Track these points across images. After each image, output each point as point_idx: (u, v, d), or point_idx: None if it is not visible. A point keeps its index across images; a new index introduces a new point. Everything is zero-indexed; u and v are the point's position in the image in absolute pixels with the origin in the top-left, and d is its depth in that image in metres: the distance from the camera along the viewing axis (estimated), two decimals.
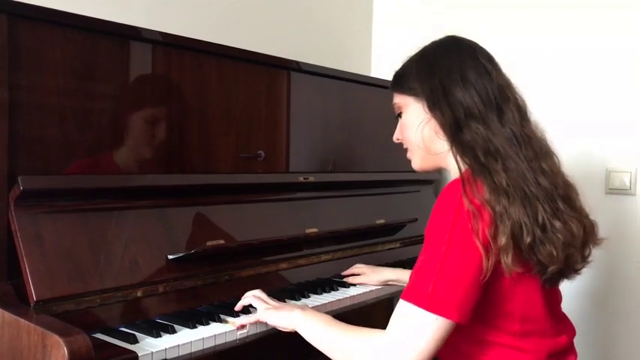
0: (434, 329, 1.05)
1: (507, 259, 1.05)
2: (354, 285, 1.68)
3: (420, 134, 1.23)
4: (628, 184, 2.13)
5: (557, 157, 1.21)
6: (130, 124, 1.42)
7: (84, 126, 1.32)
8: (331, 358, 1.18)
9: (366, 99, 2.12)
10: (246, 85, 1.68)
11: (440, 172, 2.49)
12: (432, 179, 2.39)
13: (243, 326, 1.29)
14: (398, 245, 2.07)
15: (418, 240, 2.13)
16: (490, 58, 1.23)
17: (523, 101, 1.22)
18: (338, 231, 1.84)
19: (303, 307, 1.30)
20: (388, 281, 1.71)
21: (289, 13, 2.33)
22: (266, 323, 1.30)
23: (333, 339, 1.17)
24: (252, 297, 1.35)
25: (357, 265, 1.76)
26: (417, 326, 1.06)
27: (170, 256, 1.37)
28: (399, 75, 1.29)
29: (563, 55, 2.25)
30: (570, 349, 1.26)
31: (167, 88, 1.50)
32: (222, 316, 1.32)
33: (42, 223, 1.20)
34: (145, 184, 1.41)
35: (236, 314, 1.34)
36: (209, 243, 1.46)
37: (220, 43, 1.60)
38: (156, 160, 1.48)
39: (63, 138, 1.28)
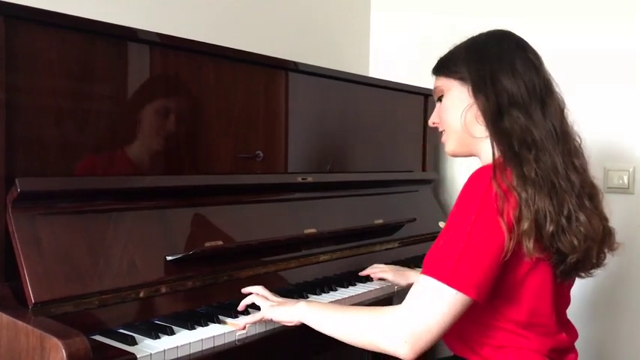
0: (451, 303, 1.07)
1: (529, 244, 1.08)
2: (353, 285, 1.68)
3: (461, 118, 1.25)
4: (626, 182, 2.13)
5: (585, 159, 1.25)
6: (127, 126, 1.42)
7: (81, 127, 1.32)
8: (344, 340, 1.18)
9: (364, 99, 2.12)
10: (245, 86, 1.68)
11: (439, 172, 2.50)
12: (430, 179, 2.39)
13: (245, 327, 1.29)
14: (396, 245, 2.07)
15: (417, 240, 2.13)
16: (537, 55, 1.26)
17: (563, 100, 1.25)
18: (336, 231, 1.84)
19: (307, 300, 1.30)
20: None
21: (287, 13, 2.33)
22: (271, 320, 1.29)
23: (343, 321, 1.18)
24: (255, 296, 1.35)
25: (376, 265, 1.76)
26: (435, 299, 1.08)
27: (169, 257, 1.37)
28: (446, 59, 1.31)
29: (561, 54, 2.24)
30: (571, 348, 1.27)
31: (165, 90, 1.50)
32: (221, 318, 1.32)
33: (40, 224, 1.20)
34: (143, 185, 1.41)
35: (235, 315, 1.33)
36: (208, 244, 1.46)
37: (218, 43, 1.60)
38: (154, 161, 1.48)
39: (60, 139, 1.28)
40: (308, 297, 1.53)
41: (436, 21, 2.52)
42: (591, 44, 2.18)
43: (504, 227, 1.08)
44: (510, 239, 1.08)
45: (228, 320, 1.31)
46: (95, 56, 1.34)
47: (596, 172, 2.12)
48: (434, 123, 1.35)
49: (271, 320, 1.29)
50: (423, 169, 2.39)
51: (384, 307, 1.15)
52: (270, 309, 1.29)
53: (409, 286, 1.67)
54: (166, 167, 1.50)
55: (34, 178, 1.21)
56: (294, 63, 1.82)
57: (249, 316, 1.31)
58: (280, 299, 1.34)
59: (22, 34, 1.21)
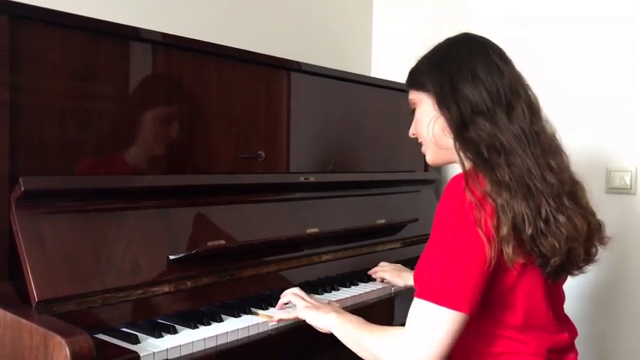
0: (447, 322, 1.07)
1: (509, 250, 1.07)
2: (355, 285, 1.68)
3: (431, 130, 1.25)
4: (628, 183, 2.13)
5: (565, 154, 1.22)
6: (130, 125, 1.42)
7: (84, 127, 1.32)
8: (363, 358, 1.21)
9: (366, 99, 2.12)
10: (247, 86, 1.68)
11: (440, 172, 2.50)
12: (432, 179, 2.39)
13: (280, 320, 1.34)
14: (398, 245, 2.07)
15: (419, 240, 2.13)
16: (502, 55, 1.24)
17: (535, 97, 1.23)
18: (338, 231, 1.84)
19: (338, 310, 1.32)
20: (413, 286, 1.72)
21: (289, 13, 2.33)
22: (304, 321, 1.32)
23: (363, 341, 1.20)
24: (292, 295, 1.38)
25: (382, 264, 1.79)
26: (431, 321, 1.08)
27: (171, 257, 1.37)
28: (413, 72, 1.32)
29: (563, 54, 2.25)
30: (571, 347, 1.27)
31: (167, 89, 1.50)
32: (252, 309, 1.37)
33: (43, 223, 1.20)
34: (145, 184, 1.41)
35: (266, 308, 1.39)
36: (210, 243, 1.46)
37: (220, 43, 1.60)
38: (156, 160, 1.48)
39: (64, 138, 1.28)
40: (311, 297, 1.53)
41: (439, 21, 2.52)
42: (594, 42, 2.18)
43: (484, 237, 1.07)
44: (492, 248, 1.07)
45: (260, 312, 1.36)
46: (98, 55, 1.34)
47: (598, 173, 2.15)
48: (413, 134, 1.36)
49: (304, 321, 1.32)
50: (425, 169, 2.39)
51: (395, 331, 1.15)
52: (305, 310, 1.32)
53: (407, 287, 1.70)
54: (168, 167, 1.51)
55: (38, 177, 1.21)
56: (297, 63, 1.82)
57: (284, 311, 1.37)
58: (315, 302, 1.37)
59: (25, 34, 1.21)
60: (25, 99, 1.22)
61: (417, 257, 1.97)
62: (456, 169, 2.32)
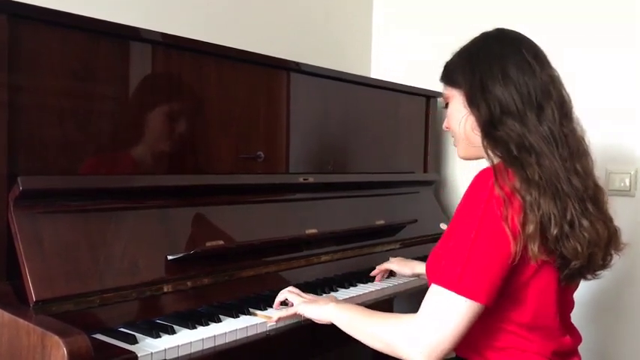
0: (463, 311, 1.07)
1: (534, 247, 1.08)
2: (354, 286, 1.68)
3: (462, 127, 1.25)
4: (628, 185, 2.13)
5: (591, 158, 1.22)
6: (129, 125, 1.42)
7: (83, 126, 1.32)
8: (368, 345, 1.20)
9: (365, 100, 2.12)
10: (246, 86, 1.68)
11: (440, 173, 2.50)
12: (431, 180, 2.39)
13: (279, 319, 1.33)
14: (398, 246, 2.07)
15: (418, 241, 2.13)
16: (536, 53, 1.22)
17: (568, 97, 1.22)
18: (338, 232, 1.84)
19: (336, 300, 1.34)
20: (420, 275, 1.74)
21: (289, 13, 2.33)
22: (303, 316, 1.32)
23: (368, 328, 1.20)
24: (288, 292, 1.38)
25: (390, 259, 1.81)
26: (447, 308, 1.08)
27: (170, 257, 1.37)
28: (447, 67, 1.31)
29: (562, 56, 2.24)
30: (575, 352, 1.27)
31: (167, 89, 1.50)
32: (251, 310, 1.37)
33: (41, 223, 1.20)
34: (144, 184, 1.41)
35: (264, 308, 1.38)
36: (209, 244, 1.46)
37: (220, 43, 1.60)
38: (156, 160, 1.48)
39: (63, 138, 1.28)
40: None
41: (439, 21, 2.51)
42: (594, 44, 2.18)
43: (509, 233, 1.07)
44: (517, 244, 1.07)
45: (259, 312, 1.36)
46: (98, 55, 1.34)
47: (597, 175, 2.14)
48: (446, 128, 1.36)
49: (303, 316, 1.32)
50: (425, 171, 2.39)
51: (404, 316, 1.15)
52: (303, 305, 1.31)
53: (414, 276, 1.73)
54: (168, 167, 1.50)
55: (36, 177, 1.21)
56: (296, 63, 1.82)
57: (282, 310, 1.36)
58: (311, 296, 1.37)
59: (25, 33, 1.21)
60: (25, 99, 1.22)
61: (416, 258, 1.99)
62: (457, 172, 2.30)
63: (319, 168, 1.94)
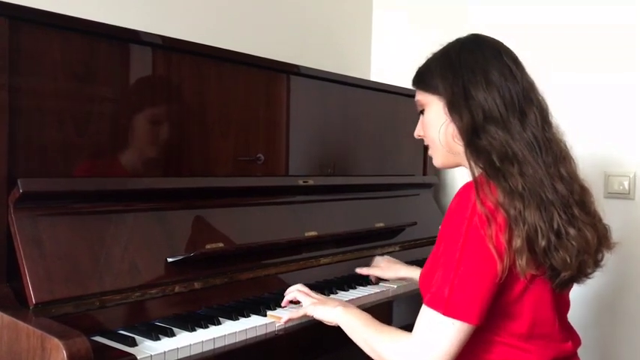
0: (452, 333, 1.07)
1: (522, 262, 1.06)
2: (354, 288, 1.68)
3: (442, 135, 1.22)
4: (627, 188, 2.13)
5: (574, 161, 1.20)
6: (129, 128, 1.43)
7: (83, 129, 1.32)
8: (365, 352, 1.21)
9: (365, 102, 2.12)
10: (246, 89, 1.69)
11: (439, 175, 2.50)
12: (431, 183, 2.39)
13: (289, 320, 1.34)
14: (397, 249, 2.07)
15: (417, 244, 2.13)
16: (515, 59, 1.20)
17: (545, 103, 1.20)
18: (337, 234, 1.84)
19: (344, 303, 1.34)
20: (403, 278, 1.74)
21: (289, 16, 2.34)
22: (312, 317, 1.33)
23: (368, 338, 1.20)
24: (297, 292, 1.39)
25: (376, 258, 1.82)
26: (437, 330, 1.08)
27: (169, 259, 1.37)
28: (422, 72, 1.27)
29: (561, 59, 2.25)
30: (574, 356, 1.26)
31: (167, 92, 1.51)
32: (258, 310, 1.38)
33: (41, 225, 1.20)
34: (144, 187, 1.41)
35: (264, 311, 1.38)
36: (208, 246, 1.46)
37: (220, 46, 1.60)
38: (155, 163, 1.48)
39: (62, 141, 1.28)
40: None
41: (439, 24, 2.52)
42: (593, 47, 2.18)
43: (494, 252, 1.05)
44: (503, 262, 1.05)
45: (268, 312, 1.37)
46: (97, 58, 1.35)
47: (596, 178, 2.15)
48: (418, 135, 1.32)
49: (312, 317, 1.33)
50: (424, 173, 2.39)
51: (401, 335, 1.15)
52: (312, 306, 1.32)
53: (398, 279, 1.73)
54: (167, 169, 1.51)
55: (36, 179, 1.21)
56: (296, 66, 1.83)
57: (292, 310, 1.37)
58: (320, 297, 1.38)
59: (25, 36, 1.21)
60: (25, 101, 1.22)
61: (416, 261, 1.99)
62: (457, 174, 2.30)
63: (319, 170, 1.94)
